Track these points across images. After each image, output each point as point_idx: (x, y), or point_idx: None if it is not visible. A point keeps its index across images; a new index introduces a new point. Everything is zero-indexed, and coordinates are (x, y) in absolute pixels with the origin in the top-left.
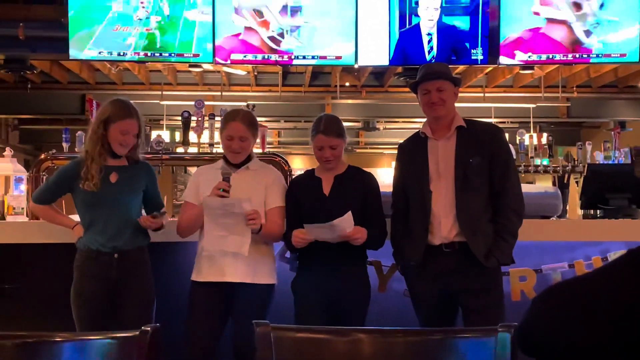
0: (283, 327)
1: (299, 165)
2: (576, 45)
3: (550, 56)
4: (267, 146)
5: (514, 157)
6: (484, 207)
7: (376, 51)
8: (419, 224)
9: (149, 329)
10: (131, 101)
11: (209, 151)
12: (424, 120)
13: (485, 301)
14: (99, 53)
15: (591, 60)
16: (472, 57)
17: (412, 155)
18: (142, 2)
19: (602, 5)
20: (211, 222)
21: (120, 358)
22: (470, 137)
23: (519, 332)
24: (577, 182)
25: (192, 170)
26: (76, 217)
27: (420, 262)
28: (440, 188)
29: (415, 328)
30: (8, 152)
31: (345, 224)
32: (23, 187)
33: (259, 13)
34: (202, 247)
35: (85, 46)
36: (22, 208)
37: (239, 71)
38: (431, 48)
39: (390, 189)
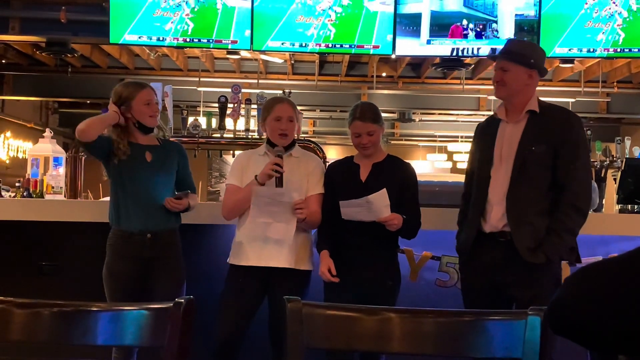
0: (314, 304)
1: (333, 155)
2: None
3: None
4: (302, 135)
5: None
6: (538, 199)
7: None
8: (475, 209)
9: (182, 301)
10: (168, 86)
11: (244, 136)
12: (460, 112)
13: (535, 293)
14: (139, 38)
15: None
16: None
17: (483, 136)
18: None
19: None
20: (257, 209)
21: (153, 329)
22: (541, 123)
23: (550, 310)
24: (614, 179)
25: (228, 156)
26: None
27: (470, 249)
28: (499, 174)
29: (446, 309)
30: (48, 133)
31: (380, 201)
32: (62, 169)
33: None
34: (242, 231)
35: (126, 31)
36: (61, 187)
37: (276, 59)
38: None
39: (424, 179)
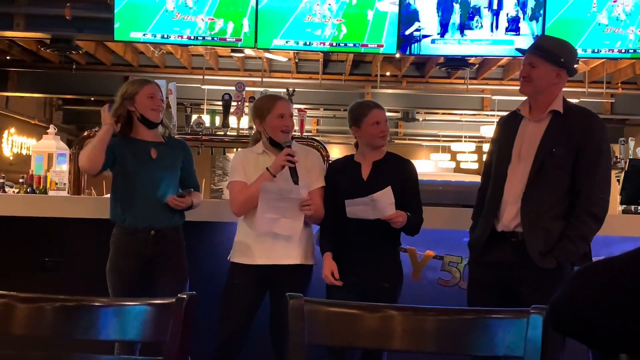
0: (316, 300)
1: (336, 154)
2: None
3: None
4: (306, 133)
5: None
6: (555, 202)
7: None
8: (490, 205)
9: (184, 296)
10: (172, 83)
11: (247, 134)
12: (464, 112)
13: (543, 295)
14: (144, 35)
15: None
16: None
17: (504, 132)
18: None
19: None
20: (264, 204)
21: (156, 325)
22: (563, 125)
23: (551, 308)
24: (618, 179)
25: (231, 154)
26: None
27: (482, 247)
28: (517, 173)
29: (448, 307)
30: (52, 129)
31: (385, 199)
32: (65, 166)
33: None
34: (247, 230)
35: (131, 28)
36: (64, 183)
37: (280, 57)
38: None
39: (427, 178)
